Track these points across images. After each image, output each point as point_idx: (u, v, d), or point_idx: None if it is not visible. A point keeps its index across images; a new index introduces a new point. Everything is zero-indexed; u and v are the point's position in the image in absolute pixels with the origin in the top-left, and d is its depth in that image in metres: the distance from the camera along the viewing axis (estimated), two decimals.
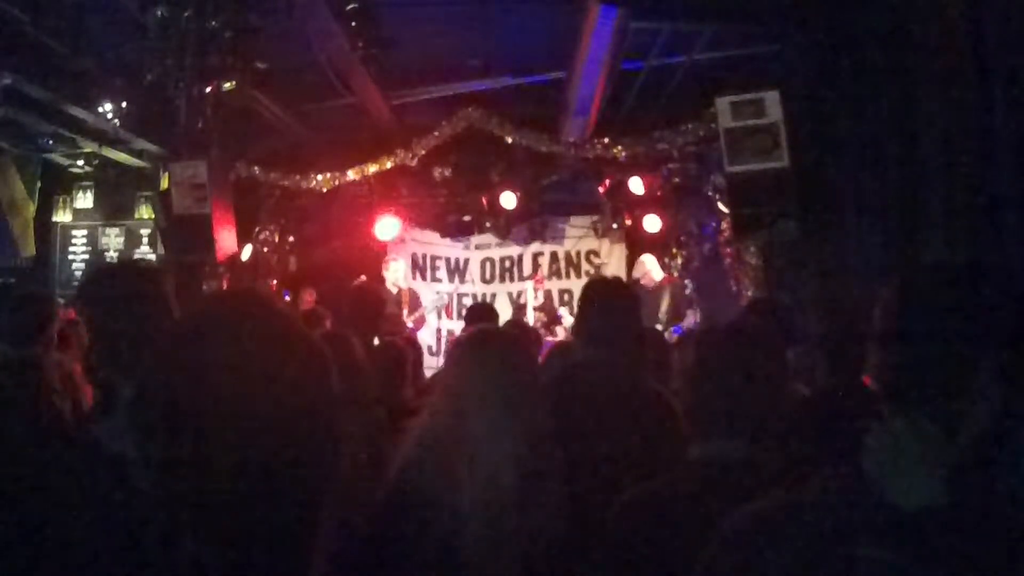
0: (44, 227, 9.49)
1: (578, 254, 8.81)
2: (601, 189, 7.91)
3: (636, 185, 7.38)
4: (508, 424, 1.66)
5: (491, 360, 1.75)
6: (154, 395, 0.77)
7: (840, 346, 2.26)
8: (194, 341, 0.77)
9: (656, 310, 6.70)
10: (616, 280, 3.03)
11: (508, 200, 7.80)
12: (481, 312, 4.27)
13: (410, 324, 7.04)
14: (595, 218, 8.58)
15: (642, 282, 7.00)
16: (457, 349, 1.87)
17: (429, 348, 8.21)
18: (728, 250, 6.66)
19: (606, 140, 6.94)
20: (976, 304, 0.98)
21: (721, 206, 6.60)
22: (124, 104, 6.75)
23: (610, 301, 2.46)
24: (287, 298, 7.68)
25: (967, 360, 0.95)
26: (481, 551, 1.59)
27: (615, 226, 8.37)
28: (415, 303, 7.42)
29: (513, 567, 1.59)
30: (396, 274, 7.32)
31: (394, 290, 7.11)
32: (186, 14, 5.50)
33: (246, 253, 7.81)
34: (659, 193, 7.57)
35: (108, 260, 9.32)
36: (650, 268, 7.07)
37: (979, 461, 0.94)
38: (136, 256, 9.48)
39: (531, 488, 1.64)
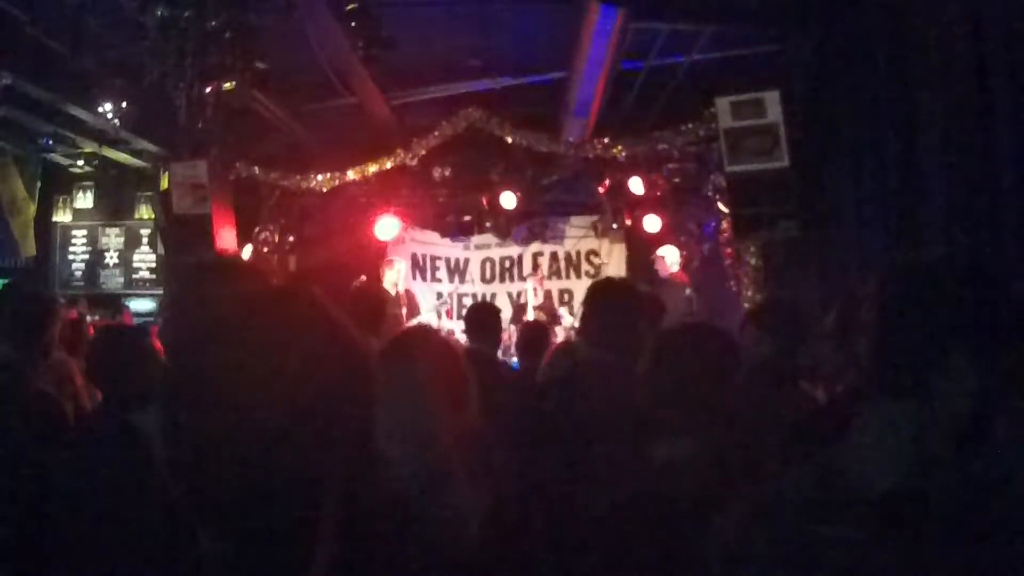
0: (44, 227, 9.50)
1: (578, 254, 8.81)
2: (601, 189, 7.91)
3: (636, 185, 7.38)
4: (405, 424, 1.59)
5: (399, 362, 1.69)
6: (179, 385, 0.76)
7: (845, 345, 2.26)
8: (228, 335, 0.76)
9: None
10: (621, 281, 3.04)
11: (508, 200, 7.80)
12: (483, 312, 4.23)
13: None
14: (595, 218, 8.58)
15: (658, 271, 7.04)
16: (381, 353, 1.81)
17: None
18: (728, 250, 6.66)
19: (606, 140, 6.94)
20: (952, 299, 1.00)
21: (721, 206, 6.60)
22: (124, 104, 6.74)
23: (614, 302, 2.47)
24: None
25: (941, 354, 0.97)
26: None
27: (615, 226, 8.37)
28: (414, 306, 7.42)
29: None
30: (397, 275, 7.32)
31: (393, 291, 7.10)
32: (186, 14, 5.50)
33: (246, 253, 7.81)
34: (659, 193, 7.56)
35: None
36: (662, 256, 7.05)
37: (949, 451, 0.97)
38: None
39: (432, 491, 1.55)
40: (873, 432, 1.00)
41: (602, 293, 2.56)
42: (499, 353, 4.54)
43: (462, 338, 6.51)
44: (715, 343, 1.64)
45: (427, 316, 7.95)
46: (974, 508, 0.94)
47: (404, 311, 7.11)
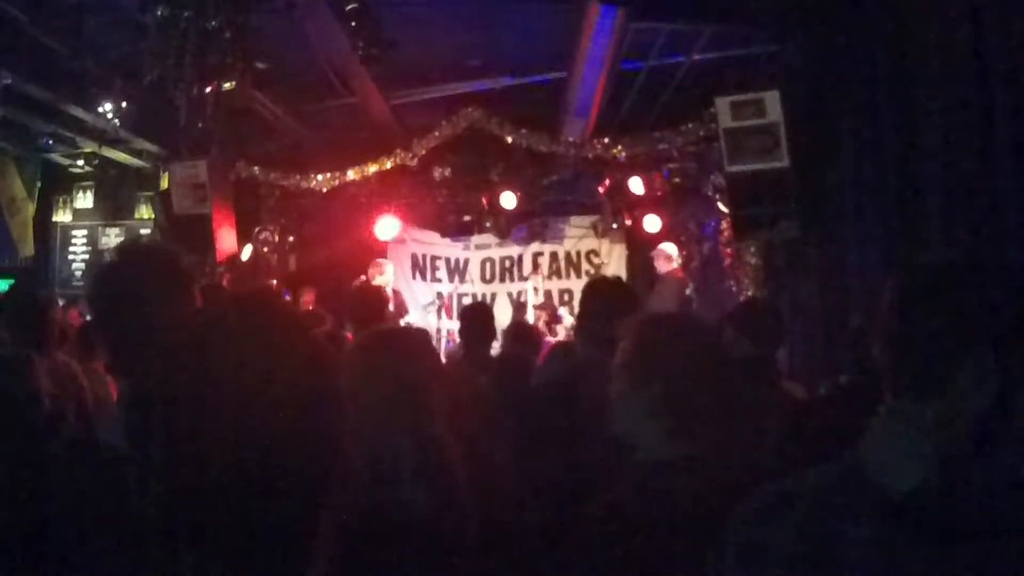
0: (44, 227, 9.49)
1: (578, 254, 8.81)
2: (601, 189, 7.91)
3: (636, 185, 7.38)
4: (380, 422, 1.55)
5: (371, 361, 1.66)
6: (153, 396, 0.77)
7: (840, 345, 2.25)
8: (195, 345, 0.77)
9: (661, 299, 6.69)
10: (617, 280, 3.03)
11: (508, 200, 7.80)
12: (475, 312, 4.25)
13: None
14: (595, 218, 8.57)
15: (657, 267, 7.04)
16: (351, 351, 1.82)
17: None
18: (728, 250, 6.66)
19: (606, 140, 6.93)
20: (972, 298, 1.00)
21: (721, 206, 6.60)
22: (124, 104, 6.74)
23: (611, 302, 2.46)
24: (287, 298, 7.68)
25: (962, 353, 0.97)
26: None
27: (615, 226, 8.36)
28: (401, 306, 7.43)
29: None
30: (388, 276, 7.33)
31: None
32: (186, 14, 5.49)
33: (246, 253, 7.81)
34: (659, 193, 7.56)
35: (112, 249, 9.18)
36: (662, 252, 7.04)
37: (971, 450, 0.96)
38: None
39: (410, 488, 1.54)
40: (893, 431, 1.00)
41: (597, 292, 2.56)
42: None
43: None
44: (702, 339, 1.58)
45: (419, 314, 7.98)
46: (997, 508, 0.94)
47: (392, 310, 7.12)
